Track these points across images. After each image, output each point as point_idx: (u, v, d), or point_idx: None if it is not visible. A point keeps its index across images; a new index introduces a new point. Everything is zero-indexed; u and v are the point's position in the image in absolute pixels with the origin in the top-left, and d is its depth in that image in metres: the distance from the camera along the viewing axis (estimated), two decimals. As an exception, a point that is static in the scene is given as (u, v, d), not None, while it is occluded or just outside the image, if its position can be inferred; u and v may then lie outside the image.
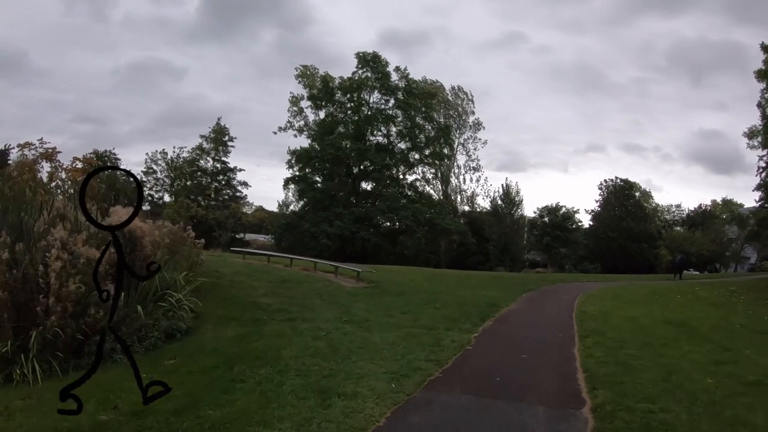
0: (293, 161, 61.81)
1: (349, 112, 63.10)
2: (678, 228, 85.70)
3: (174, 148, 68.03)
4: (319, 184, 61.34)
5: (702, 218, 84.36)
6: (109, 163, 64.94)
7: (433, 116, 66.42)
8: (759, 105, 33.05)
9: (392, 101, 62.61)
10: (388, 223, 60.55)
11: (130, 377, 4.11)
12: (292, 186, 63.80)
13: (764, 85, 31.98)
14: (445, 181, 74.01)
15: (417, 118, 64.08)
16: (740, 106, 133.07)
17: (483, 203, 76.59)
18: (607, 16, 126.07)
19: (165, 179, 67.00)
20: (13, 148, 42.32)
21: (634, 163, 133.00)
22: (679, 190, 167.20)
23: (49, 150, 28.63)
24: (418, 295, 19.88)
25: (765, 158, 34.06)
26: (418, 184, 67.21)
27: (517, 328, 15.33)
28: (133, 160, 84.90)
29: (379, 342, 12.02)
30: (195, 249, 18.54)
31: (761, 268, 67.04)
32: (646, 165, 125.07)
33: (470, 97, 75.18)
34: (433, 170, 68.91)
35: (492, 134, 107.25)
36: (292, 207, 68.16)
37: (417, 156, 65.43)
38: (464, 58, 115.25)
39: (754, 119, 34.81)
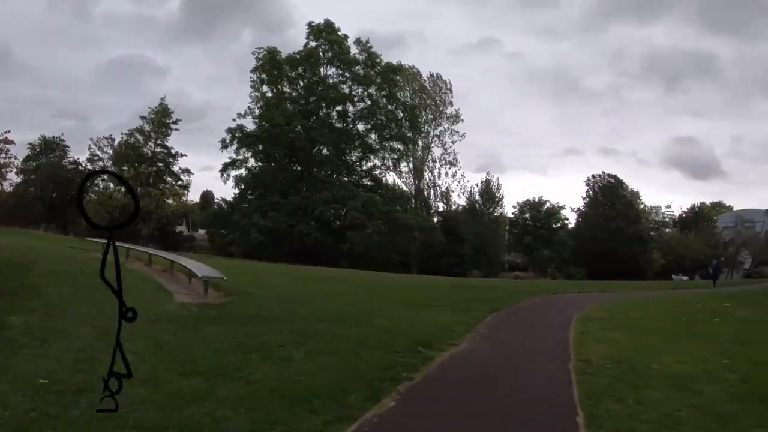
0: (228, 141, 52.58)
1: (300, 90, 54.25)
2: (668, 230, 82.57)
3: (122, 134, 59.14)
4: (255, 168, 52.56)
5: (695, 220, 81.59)
6: (57, 151, 59.89)
7: (397, 95, 57.57)
8: None
9: (349, 75, 54.13)
10: (347, 216, 50.99)
11: None
12: (233, 173, 54.27)
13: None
14: (418, 174, 67.44)
15: (380, 98, 55.64)
16: (714, 113, 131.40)
17: (459, 200, 70.18)
18: (580, 23, 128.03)
19: (112, 167, 58.43)
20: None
21: (611, 168, 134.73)
22: (656, 194, 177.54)
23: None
24: (294, 325, 11.20)
25: None
26: (378, 172, 58.55)
27: (449, 421, 6.69)
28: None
29: None
30: None
31: (758, 274, 63.81)
32: (623, 169, 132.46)
33: (449, 87, 68.97)
34: (395, 156, 59.90)
35: (470, 136, 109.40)
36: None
37: (375, 137, 56.46)
38: (440, 62, 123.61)
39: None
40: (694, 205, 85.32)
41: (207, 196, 66.64)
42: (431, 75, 68.21)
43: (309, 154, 51.70)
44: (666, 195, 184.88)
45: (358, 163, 56.69)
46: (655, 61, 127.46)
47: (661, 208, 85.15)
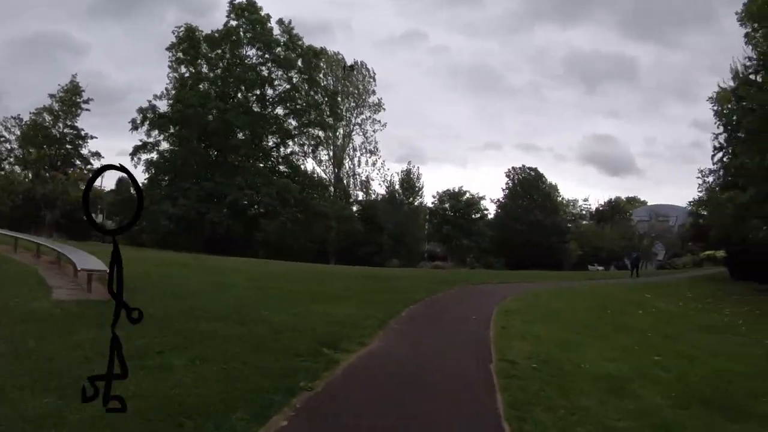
0: (139, 122, 48.50)
1: (218, 70, 51.24)
2: (584, 222, 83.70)
3: (30, 113, 53.01)
4: (167, 152, 48.91)
5: (611, 213, 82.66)
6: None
7: (318, 80, 55.29)
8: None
9: (269, 57, 51.20)
10: (261, 203, 47.97)
11: None
12: (144, 157, 49.76)
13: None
14: (338, 162, 66.09)
15: (301, 82, 53.20)
16: (630, 114, 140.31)
17: (380, 190, 69.00)
18: (505, 23, 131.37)
19: (19, 149, 53.20)
20: None
21: (529, 162, 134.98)
22: (573, 189, 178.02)
23: None
24: (183, 324, 9.66)
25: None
26: (295, 158, 55.37)
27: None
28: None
29: None
30: None
31: (670, 265, 66.47)
32: (540, 164, 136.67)
33: (372, 75, 67.91)
34: (314, 143, 57.63)
35: (391, 127, 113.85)
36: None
37: (294, 123, 53.74)
38: (365, 53, 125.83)
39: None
40: (611, 199, 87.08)
41: (122, 182, 62.11)
42: (355, 62, 67.00)
43: (224, 138, 48.38)
44: (582, 189, 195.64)
45: (275, 149, 53.93)
46: (575, 63, 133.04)
47: (578, 201, 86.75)
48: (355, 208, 63.01)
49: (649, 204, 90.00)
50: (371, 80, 67.70)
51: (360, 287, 18.62)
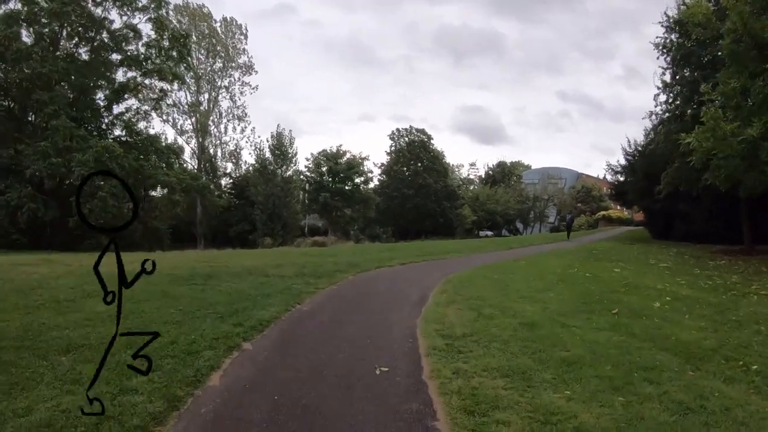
0: None
1: (35, 8, 36.76)
2: (473, 187, 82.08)
3: None
4: None
5: (502, 176, 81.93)
6: None
7: (165, 22, 43.53)
8: None
9: None
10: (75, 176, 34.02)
11: None
12: None
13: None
14: (203, 130, 57.77)
15: (143, 23, 41.80)
16: (499, 86, 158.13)
17: (251, 160, 62.12)
18: None
19: None
20: None
21: None
22: (448, 157, 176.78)
23: None
24: None
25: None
26: (135, 118, 42.23)
27: None
28: None
29: None
30: None
31: (565, 227, 63.31)
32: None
33: (243, 32, 60.36)
34: (156, 96, 44.46)
35: (265, 102, 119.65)
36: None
37: (133, 73, 41.51)
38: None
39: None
40: (501, 161, 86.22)
41: None
42: (225, 18, 59.64)
43: (31, 93, 35.04)
44: (457, 158, 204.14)
45: (106, 106, 41.16)
46: (445, 37, 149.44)
47: (463, 165, 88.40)
48: (224, 182, 57.37)
49: (533, 167, 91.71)
50: (241, 38, 60.10)
51: (154, 307, 9.10)
